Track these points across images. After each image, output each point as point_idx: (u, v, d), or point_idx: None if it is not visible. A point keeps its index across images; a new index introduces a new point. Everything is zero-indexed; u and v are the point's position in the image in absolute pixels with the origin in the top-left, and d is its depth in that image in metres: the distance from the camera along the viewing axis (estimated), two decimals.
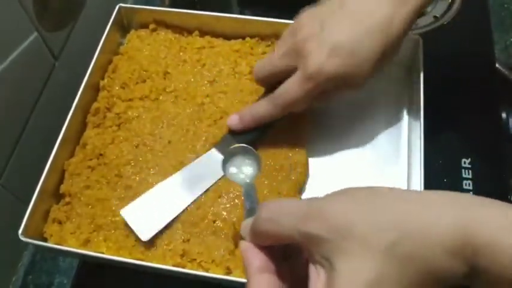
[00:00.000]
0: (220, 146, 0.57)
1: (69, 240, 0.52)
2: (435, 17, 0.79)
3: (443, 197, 0.33)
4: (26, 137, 0.61)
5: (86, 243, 0.52)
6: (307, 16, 0.54)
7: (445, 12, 0.79)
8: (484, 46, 0.76)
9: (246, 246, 0.37)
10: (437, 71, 0.62)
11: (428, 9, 0.80)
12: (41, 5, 0.59)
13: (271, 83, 0.56)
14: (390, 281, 0.30)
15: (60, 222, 0.54)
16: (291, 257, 0.38)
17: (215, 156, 0.57)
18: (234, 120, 0.57)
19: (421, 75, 0.60)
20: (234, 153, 0.55)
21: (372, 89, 0.65)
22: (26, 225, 0.50)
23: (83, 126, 0.60)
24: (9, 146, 0.59)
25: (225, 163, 0.55)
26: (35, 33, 0.60)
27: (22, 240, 0.49)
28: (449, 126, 0.66)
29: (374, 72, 0.52)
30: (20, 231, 0.50)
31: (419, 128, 0.56)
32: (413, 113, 0.61)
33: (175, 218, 0.53)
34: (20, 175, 0.61)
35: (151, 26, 0.69)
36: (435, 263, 0.30)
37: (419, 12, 0.52)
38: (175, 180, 0.55)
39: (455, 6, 0.79)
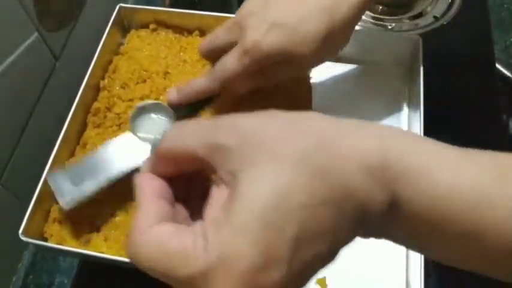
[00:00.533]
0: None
1: (70, 240, 0.52)
2: (435, 17, 0.79)
3: (366, 122, 0.31)
4: (26, 137, 0.61)
5: (86, 243, 0.52)
6: None
7: (445, 12, 0.79)
8: (484, 46, 0.76)
9: (141, 175, 0.33)
10: (437, 71, 0.62)
11: (428, 9, 0.80)
12: (42, 5, 0.59)
13: (215, 58, 0.54)
14: (300, 195, 0.26)
15: (60, 222, 0.54)
16: (191, 200, 0.34)
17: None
18: (171, 94, 0.56)
19: (421, 75, 0.60)
20: (143, 111, 0.52)
21: (372, 88, 0.66)
22: (26, 225, 0.50)
23: (83, 126, 0.60)
24: (9, 145, 0.59)
25: (132, 122, 0.51)
26: (36, 34, 0.60)
27: (22, 240, 0.50)
28: (449, 127, 0.66)
29: (317, 54, 0.50)
30: (20, 231, 0.50)
31: (419, 128, 0.56)
32: (413, 113, 0.61)
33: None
34: (21, 175, 0.61)
35: (152, 26, 0.69)
36: (352, 181, 0.27)
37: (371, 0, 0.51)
38: (106, 151, 0.53)
39: (455, 6, 0.80)
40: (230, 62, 0.51)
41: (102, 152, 0.53)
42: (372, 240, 0.55)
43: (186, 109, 0.55)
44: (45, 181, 0.53)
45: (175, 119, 0.53)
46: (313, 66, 0.55)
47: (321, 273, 0.52)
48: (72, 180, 0.51)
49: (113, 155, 0.53)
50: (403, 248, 0.54)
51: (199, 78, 0.55)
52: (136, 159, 0.52)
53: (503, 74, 0.79)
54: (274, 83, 0.54)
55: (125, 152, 0.53)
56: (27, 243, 0.50)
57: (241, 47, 0.49)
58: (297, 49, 0.49)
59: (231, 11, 0.83)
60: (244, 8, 0.52)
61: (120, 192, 0.55)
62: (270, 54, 0.49)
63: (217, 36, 0.54)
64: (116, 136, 0.59)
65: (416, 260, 0.49)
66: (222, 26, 0.54)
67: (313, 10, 0.49)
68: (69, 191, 0.50)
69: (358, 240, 0.56)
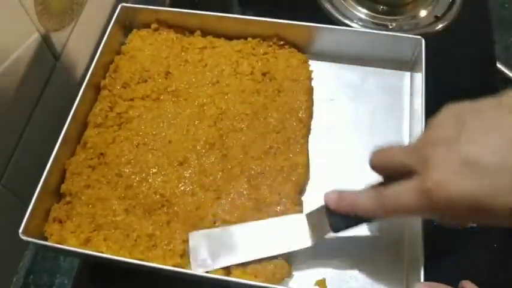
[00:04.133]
0: (311, 215, 0.51)
1: (70, 240, 0.52)
2: (436, 17, 0.79)
3: None
4: (27, 137, 0.61)
5: (86, 242, 0.52)
6: (449, 112, 0.42)
7: (446, 12, 0.79)
8: (484, 45, 0.76)
9: None
10: (438, 71, 0.62)
11: (429, 8, 0.80)
12: (42, 5, 0.59)
13: (386, 175, 0.47)
14: None
15: (60, 222, 0.54)
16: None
17: (302, 222, 0.51)
18: (332, 198, 0.48)
19: (423, 76, 0.60)
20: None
21: (373, 88, 0.66)
22: (26, 224, 0.50)
23: (84, 125, 0.60)
24: (10, 145, 0.59)
25: None
26: (36, 33, 0.60)
27: (23, 241, 0.49)
28: None
29: None
30: (20, 230, 0.50)
31: (420, 128, 0.56)
32: (414, 113, 0.61)
33: (177, 218, 0.54)
34: (21, 175, 0.61)
35: (153, 26, 0.69)
36: None
37: None
38: (251, 229, 0.52)
39: (456, 6, 0.79)
40: (405, 196, 0.42)
41: (250, 229, 0.52)
42: (371, 241, 0.55)
43: (343, 220, 0.48)
44: (46, 181, 0.53)
45: (330, 226, 0.49)
46: None
47: (321, 275, 0.53)
48: (209, 249, 0.51)
49: (258, 237, 0.52)
50: (403, 249, 0.54)
51: (365, 196, 0.46)
52: (280, 248, 0.51)
53: (504, 73, 0.79)
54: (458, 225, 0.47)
55: (274, 237, 0.52)
56: (28, 244, 0.51)
57: (422, 184, 0.40)
58: (495, 200, 0.37)
59: (231, 11, 0.83)
60: (432, 131, 0.42)
61: (120, 191, 0.56)
62: (457, 202, 0.38)
63: (393, 156, 0.45)
64: (118, 135, 0.59)
65: (417, 261, 0.49)
66: (400, 147, 0.46)
67: None
68: (203, 260, 0.51)
69: (358, 242, 0.56)
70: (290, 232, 0.51)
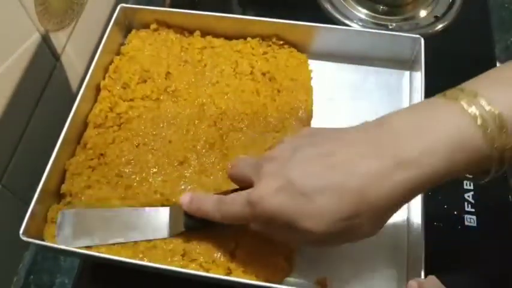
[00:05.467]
0: (174, 209, 0.53)
1: None
2: (436, 17, 0.79)
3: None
4: (27, 137, 0.61)
5: None
6: (295, 137, 0.47)
7: (446, 12, 0.79)
8: (484, 46, 0.76)
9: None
10: (437, 71, 0.62)
11: (429, 9, 0.80)
12: (42, 5, 0.59)
13: (239, 183, 0.49)
14: None
15: None
16: None
17: (165, 215, 0.53)
18: (185, 200, 0.50)
19: (423, 75, 0.60)
20: None
21: (373, 89, 0.66)
22: (26, 225, 0.50)
23: (84, 126, 0.60)
24: (10, 146, 0.59)
25: None
26: (36, 34, 0.60)
27: (23, 240, 0.49)
28: None
29: (329, 236, 0.41)
30: (21, 231, 0.50)
31: None
32: None
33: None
34: (21, 175, 0.61)
35: (153, 26, 0.69)
36: None
37: (429, 186, 0.40)
38: (119, 214, 0.54)
39: (456, 6, 0.79)
40: (235, 203, 0.45)
41: (118, 214, 0.54)
42: (372, 241, 0.55)
43: (195, 221, 0.50)
44: (46, 181, 0.53)
45: (184, 226, 0.51)
46: (329, 245, 0.47)
47: (321, 274, 0.53)
48: (74, 227, 0.52)
49: (122, 223, 0.53)
50: (403, 249, 0.54)
51: (209, 199, 0.48)
52: (137, 236, 0.52)
53: None
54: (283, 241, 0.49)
55: (136, 223, 0.53)
56: (28, 244, 0.50)
57: (249, 196, 0.43)
58: (303, 223, 0.41)
59: (231, 11, 0.83)
60: (275, 149, 0.46)
61: (120, 192, 0.56)
62: (272, 217, 0.42)
63: (240, 166, 0.49)
64: (118, 136, 0.59)
65: (418, 261, 0.49)
66: (249, 159, 0.49)
67: (341, 178, 0.40)
68: (66, 237, 0.52)
69: (359, 241, 0.55)
70: (153, 222, 0.53)
